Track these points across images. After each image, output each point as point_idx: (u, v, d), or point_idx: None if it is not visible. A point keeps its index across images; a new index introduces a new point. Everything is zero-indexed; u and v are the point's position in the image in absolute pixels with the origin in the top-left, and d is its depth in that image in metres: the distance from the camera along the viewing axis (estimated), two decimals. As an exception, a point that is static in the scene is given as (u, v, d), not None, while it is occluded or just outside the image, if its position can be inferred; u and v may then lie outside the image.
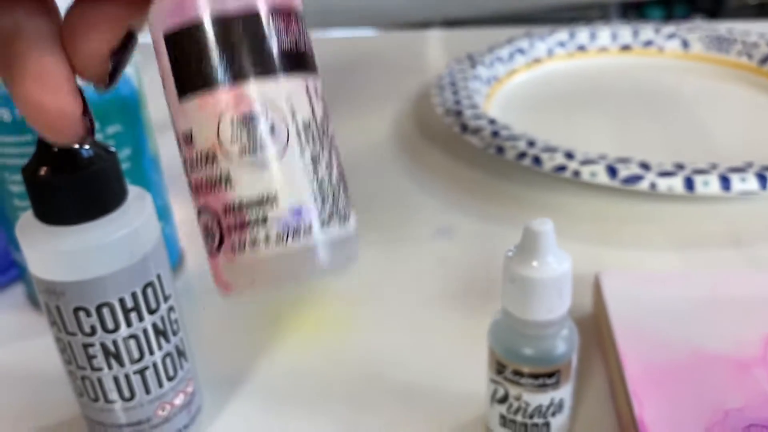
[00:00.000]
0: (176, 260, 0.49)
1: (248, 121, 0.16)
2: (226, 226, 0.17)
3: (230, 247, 0.17)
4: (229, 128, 0.16)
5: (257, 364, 0.41)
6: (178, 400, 0.34)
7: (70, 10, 0.19)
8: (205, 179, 0.17)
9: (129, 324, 0.31)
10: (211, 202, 0.17)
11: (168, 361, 0.33)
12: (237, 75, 0.16)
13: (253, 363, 0.41)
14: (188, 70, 0.17)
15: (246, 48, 0.16)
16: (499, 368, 0.32)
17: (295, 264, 0.17)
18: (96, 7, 0.19)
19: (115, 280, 0.30)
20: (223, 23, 0.16)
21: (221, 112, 0.16)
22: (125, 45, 0.19)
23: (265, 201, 0.17)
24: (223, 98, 0.16)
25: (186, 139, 0.17)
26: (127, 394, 0.32)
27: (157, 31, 0.18)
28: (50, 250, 0.29)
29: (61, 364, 0.33)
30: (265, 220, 0.17)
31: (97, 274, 0.29)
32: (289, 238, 0.17)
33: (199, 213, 0.18)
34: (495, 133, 0.56)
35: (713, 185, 0.48)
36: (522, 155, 0.53)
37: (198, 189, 0.17)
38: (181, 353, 0.34)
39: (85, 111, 0.19)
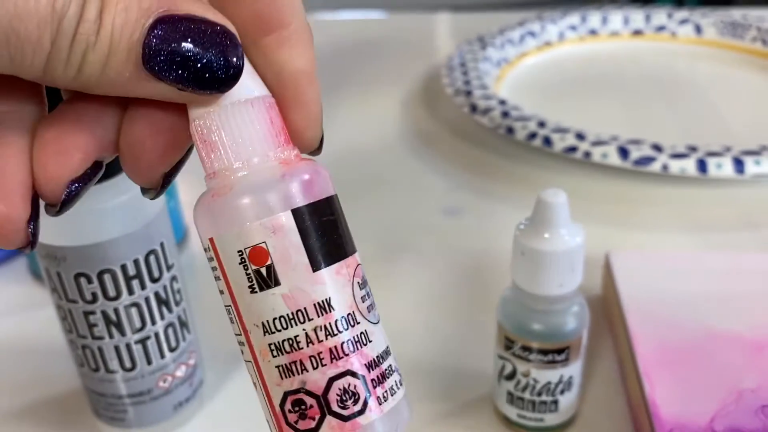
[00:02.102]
0: (181, 237, 0.48)
1: (364, 282, 0.19)
2: (371, 381, 0.18)
3: (377, 401, 0.18)
4: (359, 290, 0.19)
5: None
6: (180, 372, 0.33)
7: (46, 124, 0.18)
8: (350, 342, 0.18)
9: (131, 292, 0.30)
10: (356, 363, 0.18)
11: (170, 331, 0.32)
12: (351, 240, 0.19)
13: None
14: (323, 242, 0.18)
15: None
16: (508, 344, 0.31)
17: (402, 410, 0.20)
18: (70, 131, 0.18)
19: (117, 246, 0.29)
20: (335, 196, 0.19)
21: (352, 276, 0.19)
22: (88, 175, 0.18)
23: (389, 350, 0.19)
24: (350, 263, 0.19)
25: (322, 308, 0.18)
26: (128, 364, 0.32)
27: (281, 208, 0.18)
28: (51, 214, 0.28)
29: (62, 333, 0.32)
30: (393, 368, 0.19)
31: (99, 240, 0.29)
32: (402, 382, 0.20)
33: (332, 380, 0.18)
34: (505, 114, 0.55)
35: (726, 168, 0.47)
36: (532, 135, 0.52)
37: (338, 355, 0.18)
38: (183, 324, 0.33)
39: (32, 219, 0.18)
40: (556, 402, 0.32)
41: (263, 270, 0.18)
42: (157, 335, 0.32)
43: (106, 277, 0.30)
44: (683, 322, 0.35)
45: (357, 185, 0.54)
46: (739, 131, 0.59)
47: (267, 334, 0.18)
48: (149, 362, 0.32)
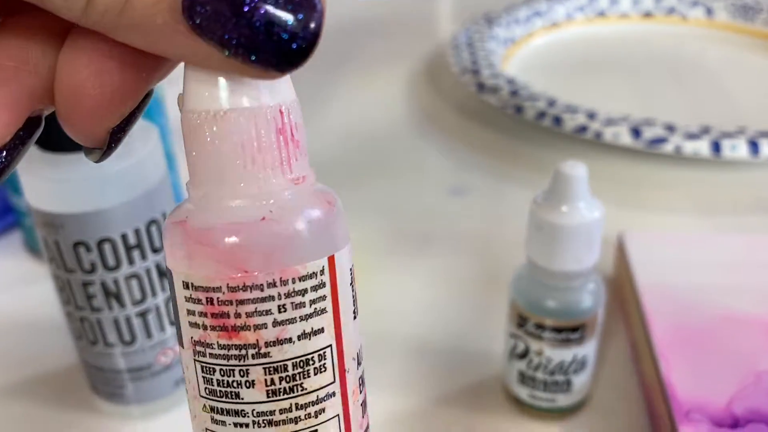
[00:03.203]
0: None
1: None
2: None
3: None
4: None
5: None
6: (181, 347, 0.32)
7: None
8: None
9: (131, 262, 0.29)
10: None
11: (171, 304, 0.31)
12: None
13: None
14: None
15: None
16: (521, 321, 0.30)
17: None
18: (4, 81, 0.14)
19: (118, 214, 0.28)
20: None
21: None
22: (21, 138, 0.14)
23: None
24: None
25: None
26: (127, 337, 0.31)
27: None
28: (49, 179, 0.27)
29: (59, 306, 0.31)
30: None
31: (99, 207, 0.28)
32: None
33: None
34: (514, 93, 0.54)
35: (741, 149, 0.46)
36: (542, 115, 0.51)
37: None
38: (185, 298, 0.32)
39: None
40: (569, 382, 0.31)
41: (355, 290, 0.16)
42: (157, 308, 0.31)
43: (106, 247, 0.28)
44: (699, 304, 0.34)
45: (362, 167, 0.53)
46: (751, 115, 0.58)
47: (359, 366, 0.16)
48: (149, 336, 0.31)
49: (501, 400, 0.33)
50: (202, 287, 0.14)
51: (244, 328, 0.14)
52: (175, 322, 0.15)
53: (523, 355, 0.31)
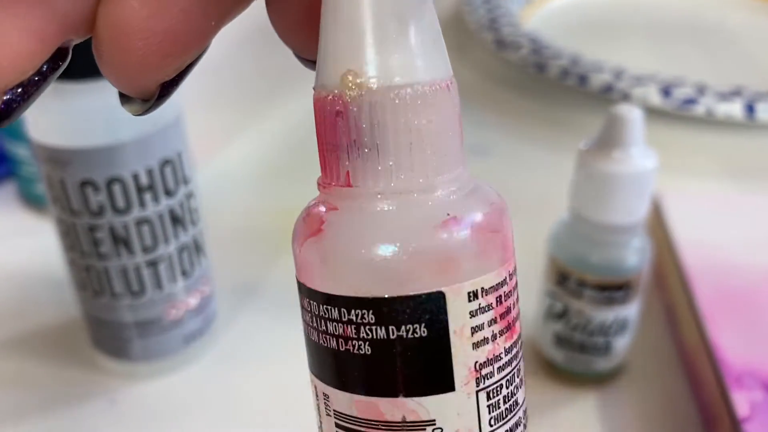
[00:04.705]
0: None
1: None
2: None
3: None
4: None
5: (278, 275, 0.37)
6: (193, 301, 0.30)
7: None
8: None
9: (142, 205, 0.27)
10: None
11: (184, 255, 0.29)
12: None
13: (272, 273, 0.37)
14: None
15: None
16: (560, 279, 0.28)
17: None
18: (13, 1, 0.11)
19: (129, 151, 0.26)
20: None
21: None
22: (44, 74, 0.11)
23: None
24: None
25: None
26: (136, 287, 0.28)
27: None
28: (55, 109, 0.25)
29: (61, 255, 0.29)
30: None
31: (108, 142, 0.25)
32: None
33: None
34: (535, 50, 0.51)
35: (775, 112, 0.44)
36: (565, 73, 0.49)
37: None
38: (199, 248, 0.30)
39: None
40: (608, 344, 0.29)
41: None
42: (169, 258, 0.28)
43: (116, 187, 0.26)
44: (742, 265, 0.32)
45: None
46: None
47: None
48: (159, 287, 0.29)
49: (533, 365, 0.31)
50: (493, 287, 0.12)
51: (517, 316, 0.13)
52: (432, 369, 0.12)
53: (561, 315, 0.29)
